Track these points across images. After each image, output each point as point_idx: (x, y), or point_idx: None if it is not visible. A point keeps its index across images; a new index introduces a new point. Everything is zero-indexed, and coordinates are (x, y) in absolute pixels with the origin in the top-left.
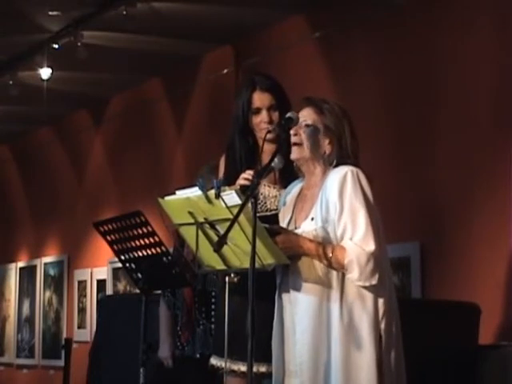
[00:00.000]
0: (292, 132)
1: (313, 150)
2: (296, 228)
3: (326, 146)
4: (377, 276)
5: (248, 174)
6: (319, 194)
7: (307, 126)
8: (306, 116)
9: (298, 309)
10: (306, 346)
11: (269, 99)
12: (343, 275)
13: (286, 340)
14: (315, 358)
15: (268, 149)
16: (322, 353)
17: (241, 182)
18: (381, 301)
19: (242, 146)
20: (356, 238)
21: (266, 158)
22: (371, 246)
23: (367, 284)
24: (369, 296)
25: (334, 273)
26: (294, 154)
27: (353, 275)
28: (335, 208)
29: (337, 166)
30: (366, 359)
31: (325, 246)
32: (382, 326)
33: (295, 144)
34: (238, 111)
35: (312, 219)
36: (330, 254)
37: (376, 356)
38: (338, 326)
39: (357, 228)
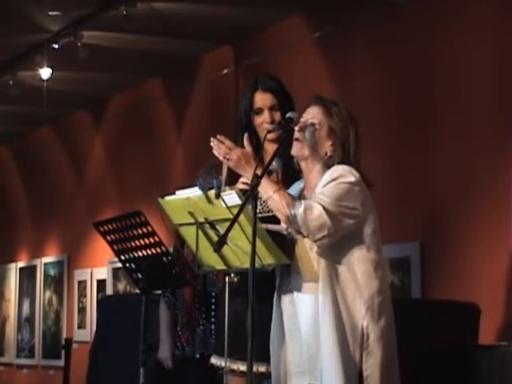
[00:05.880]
0: (297, 128)
1: (313, 150)
2: None
3: (327, 147)
4: (323, 233)
5: (247, 179)
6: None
7: (312, 124)
8: (313, 114)
9: (301, 308)
10: (312, 343)
11: (270, 99)
12: (334, 271)
13: (290, 341)
14: (316, 355)
15: (271, 149)
16: (319, 348)
17: (240, 186)
18: (365, 296)
19: (245, 147)
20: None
21: (268, 159)
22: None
23: (314, 238)
24: (351, 290)
25: (324, 265)
26: (295, 149)
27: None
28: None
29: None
30: (333, 357)
31: (282, 192)
32: (365, 322)
33: (297, 140)
34: (240, 112)
35: None
36: (272, 193)
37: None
38: (322, 319)
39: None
